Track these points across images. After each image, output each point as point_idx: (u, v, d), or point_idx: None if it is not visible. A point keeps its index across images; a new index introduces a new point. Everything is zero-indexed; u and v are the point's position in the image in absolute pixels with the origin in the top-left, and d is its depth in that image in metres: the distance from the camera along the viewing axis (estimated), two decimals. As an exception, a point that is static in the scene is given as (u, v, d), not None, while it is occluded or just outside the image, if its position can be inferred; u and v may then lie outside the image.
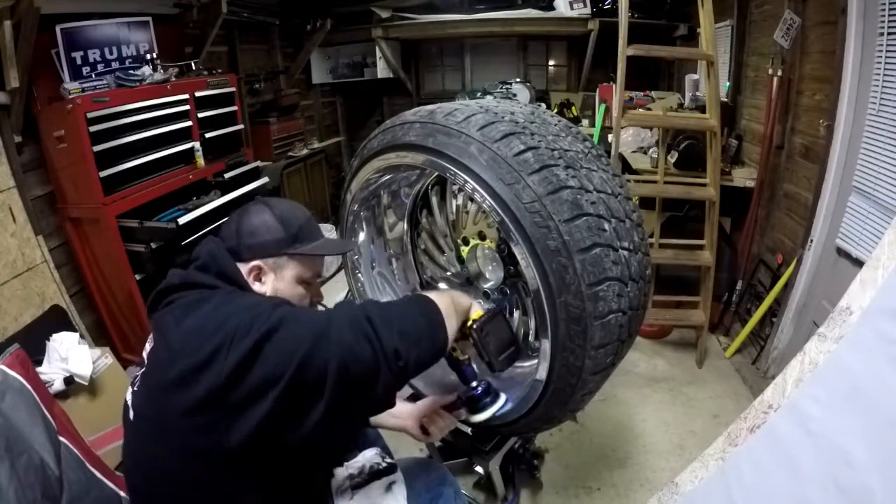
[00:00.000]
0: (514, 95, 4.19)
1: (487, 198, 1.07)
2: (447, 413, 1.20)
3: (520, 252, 1.07)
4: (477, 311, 1.07)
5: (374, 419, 1.20)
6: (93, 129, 2.22)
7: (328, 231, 3.85)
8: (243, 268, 0.97)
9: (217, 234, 1.04)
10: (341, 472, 1.16)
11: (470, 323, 1.04)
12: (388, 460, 1.19)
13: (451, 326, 0.93)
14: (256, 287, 0.97)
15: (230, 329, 0.76)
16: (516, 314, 1.59)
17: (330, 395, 0.76)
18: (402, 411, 1.24)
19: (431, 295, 0.96)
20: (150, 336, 0.92)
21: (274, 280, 0.99)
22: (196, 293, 0.89)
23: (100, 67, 2.54)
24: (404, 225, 1.81)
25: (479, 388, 1.09)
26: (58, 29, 2.34)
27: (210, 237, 1.02)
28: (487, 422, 1.13)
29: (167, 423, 0.78)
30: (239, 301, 0.85)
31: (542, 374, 1.17)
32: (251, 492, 0.83)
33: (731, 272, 2.84)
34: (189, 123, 2.73)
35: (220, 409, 0.75)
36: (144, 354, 0.91)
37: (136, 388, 0.88)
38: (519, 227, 1.03)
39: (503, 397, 1.10)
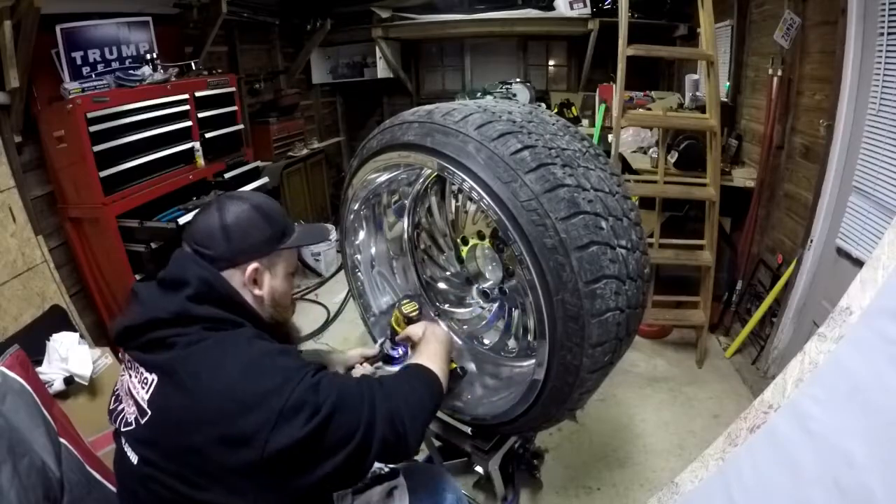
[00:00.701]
0: (514, 95, 4.19)
1: (485, 196, 1.07)
2: (367, 364, 1.35)
3: (517, 250, 1.07)
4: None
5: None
6: (93, 129, 2.22)
7: (329, 230, 3.85)
8: (237, 275, 0.91)
9: (190, 238, 0.92)
10: None
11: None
12: (390, 465, 1.19)
13: (445, 385, 1.08)
14: (256, 292, 0.93)
15: (274, 406, 0.76)
16: (515, 313, 1.59)
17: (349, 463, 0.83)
18: (335, 360, 1.34)
19: (431, 360, 1.06)
20: (138, 373, 0.85)
21: (270, 279, 0.95)
22: (197, 333, 0.82)
23: (100, 67, 2.55)
24: (404, 224, 1.81)
25: (398, 351, 1.35)
26: (58, 29, 2.35)
27: (184, 253, 0.92)
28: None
29: (184, 476, 0.77)
30: (266, 360, 0.82)
31: (539, 372, 1.17)
32: None
33: (731, 272, 2.83)
34: (189, 123, 2.74)
35: (254, 478, 0.76)
36: (137, 396, 0.83)
37: (134, 432, 0.83)
38: (516, 225, 1.04)
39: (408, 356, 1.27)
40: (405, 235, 1.82)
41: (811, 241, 2.17)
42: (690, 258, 2.53)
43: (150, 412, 0.81)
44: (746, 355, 2.59)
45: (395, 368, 1.24)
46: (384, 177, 1.59)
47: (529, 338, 1.55)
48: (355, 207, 1.69)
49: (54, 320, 2.17)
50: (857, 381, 0.95)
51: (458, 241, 1.66)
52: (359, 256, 1.84)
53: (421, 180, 1.67)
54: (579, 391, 1.17)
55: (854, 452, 0.90)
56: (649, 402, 2.31)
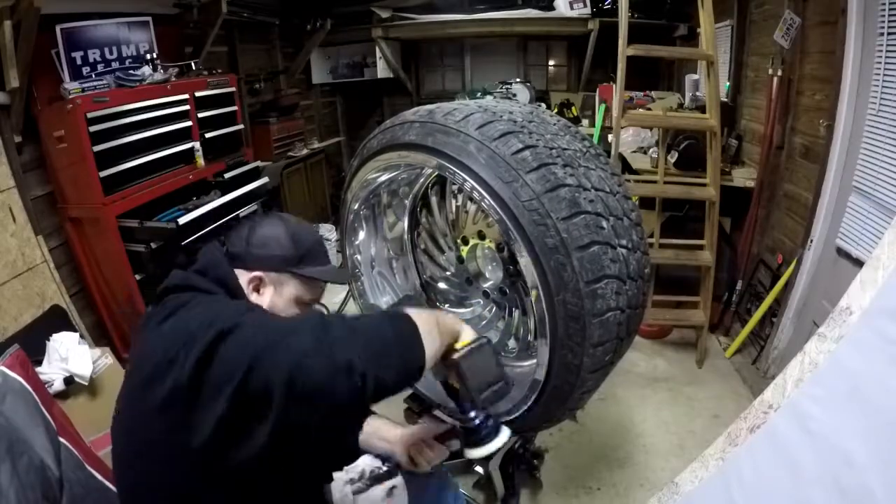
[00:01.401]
0: (514, 95, 4.19)
1: (486, 196, 1.07)
2: (438, 444, 1.07)
3: (518, 250, 1.07)
4: (466, 338, 0.90)
5: (360, 440, 1.15)
6: (93, 129, 2.22)
7: (327, 229, 3.85)
8: (244, 276, 0.94)
9: (224, 236, 1.02)
10: (341, 477, 1.15)
11: (456, 350, 0.88)
12: (389, 464, 1.19)
13: (431, 348, 0.79)
14: (254, 298, 0.94)
15: (194, 327, 0.73)
16: (516, 313, 1.59)
17: (276, 412, 0.67)
18: (392, 435, 1.13)
19: (413, 312, 0.82)
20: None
21: (272, 294, 0.96)
22: (187, 296, 0.85)
23: (100, 67, 2.55)
24: (404, 224, 1.81)
25: (478, 420, 0.90)
26: (58, 29, 2.34)
27: (215, 242, 1.01)
28: (487, 458, 1.05)
29: (140, 422, 0.77)
30: (217, 305, 0.83)
31: (540, 372, 1.17)
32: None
33: (731, 272, 2.83)
34: (189, 123, 2.73)
35: (182, 407, 0.70)
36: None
37: (122, 389, 0.86)
38: (517, 225, 1.04)
39: (505, 432, 0.92)
40: (405, 235, 1.82)
41: (811, 241, 2.17)
42: (690, 258, 2.53)
43: (131, 365, 0.85)
44: (746, 355, 2.59)
45: (484, 451, 0.90)
46: (384, 177, 1.59)
47: (530, 338, 1.55)
48: (355, 207, 1.69)
49: (54, 320, 2.17)
50: (857, 381, 0.95)
51: (459, 240, 1.66)
52: (359, 256, 1.84)
53: (421, 180, 1.67)
54: (580, 391, 1.17)
55: (854, 452, 0.90)
56: (649, 402, 2.31)
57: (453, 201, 1.63)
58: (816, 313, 2.11)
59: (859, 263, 1.82)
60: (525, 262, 1.06)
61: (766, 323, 2.51)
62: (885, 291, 0.96)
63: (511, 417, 1.33)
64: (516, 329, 1.61)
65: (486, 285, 1.67)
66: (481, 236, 1.57)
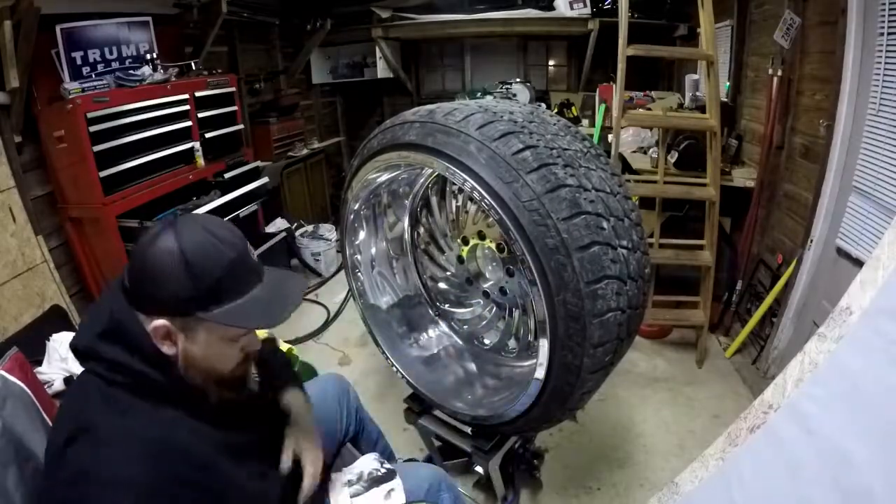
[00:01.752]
0: (514, 95, 4.19)
1: (486, 196, 1.07)
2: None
3: (518, 250, 1.07)
4: None
5: None
6: (93, 129, 2.22)
7: (327, 229, 3.84)
8: (147, 323, 0.76)
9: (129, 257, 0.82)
10: (339, 478, 1.15)
11: None
12: (387, 466, 1.19)
13: None
14: (166, 349, 0.78)
15: None
16: (516, 313, 1.59)
17: None
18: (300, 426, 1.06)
19: None
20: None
21: (185, 343, 0.78)
22: (94, 391, 0.75)
23: (100, 67, 2.54)
24: (404, 224, 1.81)
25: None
26: (58, 29, 2.34)
27: (118, 281, 0.82)
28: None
29: None
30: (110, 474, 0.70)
31: (540, 372, 1.17)
32: None
33: (731, 272, 2.83)
34: (189, 123, 2.74)
35: None
36: None
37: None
38: (517, 226, 1.04)
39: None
40: (405, 235, 1.82)
41: (811, 241, 2.17)
42: (690, 258, 2.53)
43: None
44: (746, 355, 2.59)
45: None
46: (385, 177, 1.59)
47: (530, 338, 1.55)
48: (356, 207, 1.70)
49: (54, 320, 2.17)
50: (856, 381, 0.95)
51: (459, 241, 1.66)
52: (359, 256, 1.84)
53: (422, 180, 1.67)
54: (580, 391, 1.18)
55: (854, 452, 0.90)
56: (649, 402, 2.31)
57: (453, 201, 1.64)
58: (816, 313, 2.11)
59: (859, 263, 1.82)
60: (525, 262, 1.06)
61: (766, 323, 2.51)
62: (885, 291, 0.96)
63: (511, 417, 1.33)
64: (516, 329, 1.61)
65: (486, 285, 1.67)
66: (481, 236, 1.57)
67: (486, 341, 1.78)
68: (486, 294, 1.68)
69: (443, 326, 1.87)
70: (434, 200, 1.69)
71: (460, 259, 1.70)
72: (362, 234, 1.82)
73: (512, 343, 1.68)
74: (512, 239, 1.07)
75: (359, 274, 1.86)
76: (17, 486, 0.93)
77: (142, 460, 0.71)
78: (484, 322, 1.76)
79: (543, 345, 1.13)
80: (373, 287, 1.88)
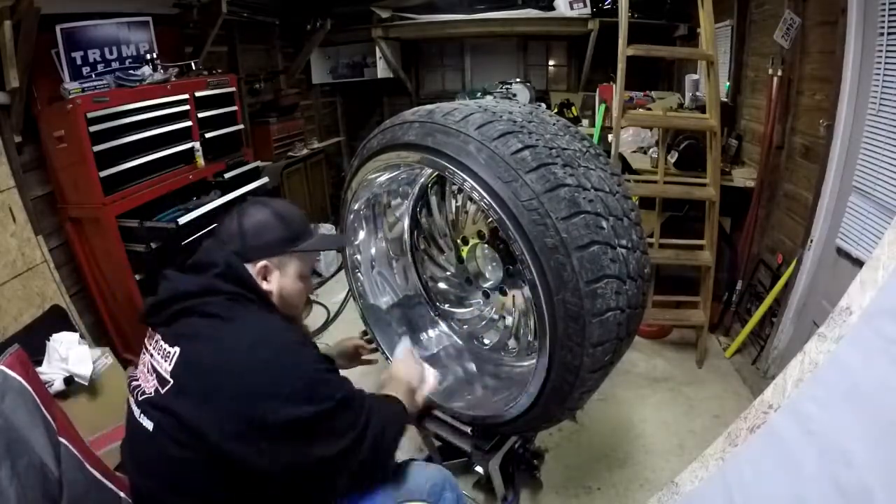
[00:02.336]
0: (514, 95, 4.18)
1: (485, 196, 1.07)
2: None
3: (517, 250, 1.07)
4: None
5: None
6: (93, 129, 2.22)
7: (327, 229, 3.85)
8: (251, 268, 1.01)
9: (216, 235, 1.07)
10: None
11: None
12: None
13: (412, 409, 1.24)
14: (264, 286, 1.02)
15: (291, 387, 0.88)
16: (515, 313, 1.59)
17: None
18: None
19: (397, 393, 1.20)
20: (160, 349, 0.93)
21: (279, 278, 1.05)
22: (220, 303, 0.94)
23: (100, 67, 2.54)
24: (404, 224, 1.81)
25: None
26: (58, 29, 2.34)
27: (213, 241, 1.06)
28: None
29: (205, 433, 0.85)
30: (292, 346, 0.94)
31: (540, 372, 1.17)
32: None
33: (731, 272, 2.83)
34: (189, 123, 2.73)
35: (258, 440, 0.85)
36: (160, 369, 0.92)
37: (151, 399, 0.91)
38: (516, 225, 1.04)
39: None
40: (405, 236, 1.82)
41: (811, 241, 2.17)
42: (690, 258, 2.53)
43: (171, 380, 0.89)
44: (746, 355, 2.59)
45: None
46: (385, 176, 1.59)
47: (530, 338, 1.55)
48: (355, 207, 1.70)
49: (54, 320, 2.17)
50: (857, 381, 0.95)
51: (459, 241, 1.66)
52: (359, 256, 1.84)
53: (421, 180, 1.67)
54: (580, 391, 1.18)
55: (854, 452, 0.90)
56: (649, 402, 2.31)
57: (453, 201, 1.64)
58: (816, 313, 2.11)
59: (859, 263, 1.82)
60: (525, 261, 1.06)
61: (766, 323, 2.51)
62: (885, 291, 0.96)
63: (511, 417, 1.33)
64: (516, 329, 1.61)
65: (486, 285, 1.67)
66: (481, 236, 1.57)
67: (486, 341, 1.78)
68: (486, 294, 1.68)
69: (443, 326, 1.87)
70: (434, 201, 1.69)
71: (460, 259, 1.70)
72: (362, 234, 1.82)
73: (512, 343, 1.68)
74: (511, 238, 1.06)
75: (359, 274, 1.86)
76: (11, 480, 0.93)
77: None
78: (484, 322, 1.76)
79: (543, 344, 1.13)
80: (373, 287, 1.88)
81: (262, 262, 1.02)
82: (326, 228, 3.88)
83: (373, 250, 1.85)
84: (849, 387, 0.96)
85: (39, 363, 1.77)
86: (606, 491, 1.85)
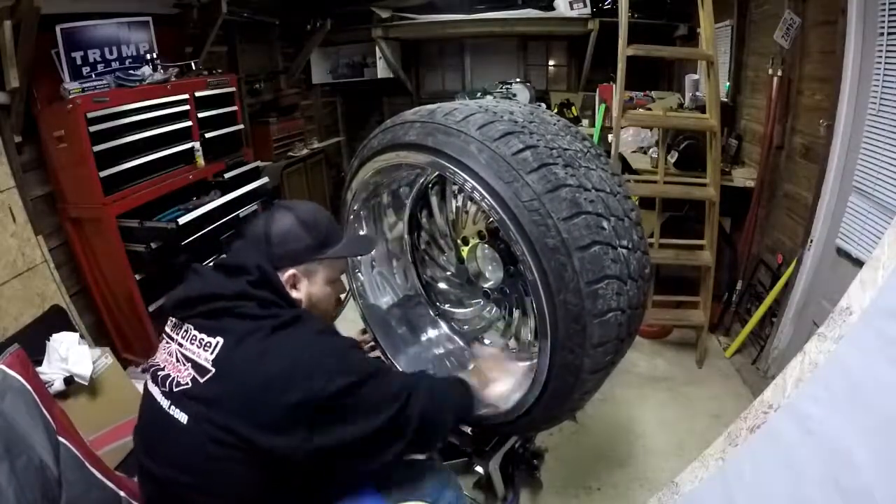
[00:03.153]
0: (514, 95, 4.19)
1: (486, 196, 1.07)
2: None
3: (518, 250, 1.07)
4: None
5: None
6: (93, 129, 2.22)
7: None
8: (280, 276, 1.01)
9: (245, 238, 1.08)
10: None
11: None
12: None
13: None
14: (293, 294, 1.03)
15: (331, 368, 0.89)
16: (516, 313, 1.59)
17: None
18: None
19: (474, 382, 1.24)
20: (194, 339, 0.93)
21: (308, 285, 1.05)
22: (254, 308, 0.93)
23: (100, 67, 2.54)
24: (404, 225, 1.81)
25: None
26: (58, 29, 2.34)
27: (243, 243, 1.07)
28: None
29: (239, 424, 0.85)
30: (340, 350, 0.95)
31: (541, 373, 1.17)
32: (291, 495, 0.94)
33: (731, 272, 2.83)
34: (189, 123, 2.73)
35: (308, 421, 0.86)
36: (198, 358, 0.91)
37: (189, 391, 0.90)
38: (518, 225, 1.03)
39: None
40: (405, 236, 1.82)
41: (811, 241, 2.17)
42: (690, 258, 2.53)
43: (213, 370, 0.89)
44: (746, 355, 2.59)
45: None
46: (385, 177, 1.59)
47: (530, 338, 1.55)
48: (356, 208, 1.69)
49: (54, 320, 2.17)
50: (857, 381, 0.95)
51: (459, 241, 1.66)
52: (359, 256, 1.84)
53: (422, 180, 1.67)
54: (580, 391, 1.17)
55: (854, 452, 0.90)
56: (649, 402, 2.31)
57: (454, 202, 1.63)
58: (816, 313, 2.11)
59: (859, 263, 1.82)
60: (526, 262, 1.06)
61: (766, 323, 2.51)
62: (885, 291, 0.96)
63: (511, 418, 1.32)
64: (517, 329, 1.61)
65: (486, 285, 1.67)
66: (482, 236, 1.57)
67: (487, 342, 1.78)
68: (486, 294, 1.68)
69: (443, 327, 1.87)
70: (434, 201, 1.68)
71: (460, 259, 1.69)
72: (362, 234, 1.82)
73: (512, 343, 1.67)
74: (512, 239, 1.06)
75: (359, 274, 1.86)
76: (10, 479, 0.93)
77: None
78: (484, 322, 1.76)
79: (544, 345, 1.13)
80: (373, 287, 1.88)
81: (290, 271, 1.03)
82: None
83: (373, 250, 1.85)
84: (849, 387, 0.96)
85: (39, 363, 1.77)
86: (606, 491, 1.85)
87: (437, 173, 1.42)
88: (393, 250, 1.87)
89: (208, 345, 0.91)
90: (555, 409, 1.24)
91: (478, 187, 1.08)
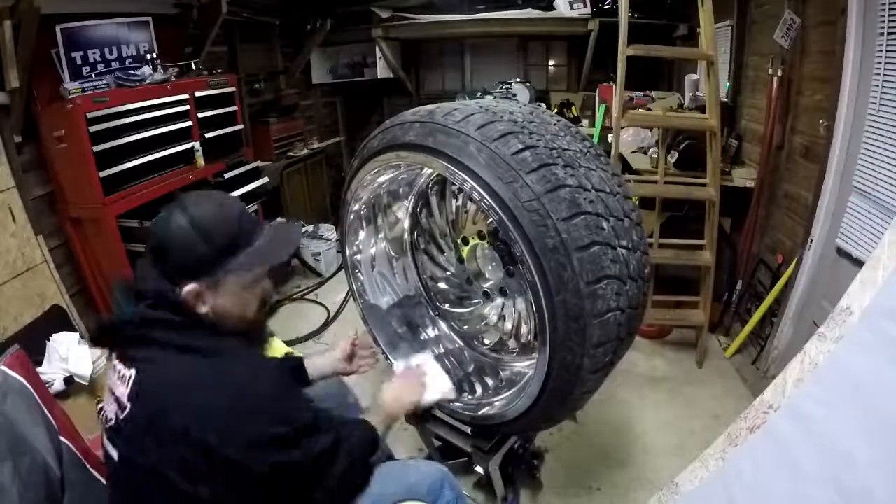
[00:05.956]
0: (514, 95, 4.18)
1: (486, 196, 1.07)
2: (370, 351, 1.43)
3: (518, 251, 1.07)
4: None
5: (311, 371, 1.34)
6: (93, 129, 2.22)
7: (327, 229, 3.84)
8: (181, 291, 0.87)
9: (146, 248, 0.94)
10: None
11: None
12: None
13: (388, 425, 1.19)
14: (201, 310, 0.89)
15: (251, 432, 0.81)
16: (516, 314, 1.60)
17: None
18: (329, 356, 1.38)
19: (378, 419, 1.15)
20: (116, 371, 0.87)
21: (214, 298, 0.89)
22: (160, 332, 0.86)
23: (100, 67, 2.54)
24: (404, 224, 1.81)
25: None
26: (58, 29, 2.34)
27: (144, 260, 0.92)
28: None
29: (159, 471, 0.80)
30: (249, 386, 0.86)
31: (540, 372, 1.17)
32: None
33: (731, 272, 2.83)
34: (189, 123, 2.73)
35: (221, 470, 0.80)
36: (117, 392, 0.85)
37: (114, 428, 0.86)
38: (517, 226, 1.04)
39: None
40: (405, 235, 1.82)
41: (811, 241, 2.17)
42: (690, 258, 2.53)
43: (129, 405, 0.83)
44: (746, 355, 2.59)
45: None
46: (385, 177, 1.59)
47: (530, 338, 1.55)
48: (356, 208, 1.70)
49: (54, 320, 2.17)
50: (857, 381, 0.96)
51: (459, 241, 1.66)
52: (359, 256, 1.84)
53: (421, 180, 1.67)
54: (580, 391, 1.18)
55: (854, 452, 0.90)
56: (649, 402, 2.31)
57: (453, 202, 1.64)
58: (816, 313, 2.11)
59: (859, 263, 1.81)
60: (525, 262, 1.06)
61: (766, 323, 2.51)
62: (885, 291, 0.96)
63: (512, 417, 1.33)
64: (516, 329, 1.61)
65: (486, 285, 1.67)
66: (481, 236, 1.57)
67: (486, 341, 1.78)
68: (486, 294, 1.68)
69: (443, 326, 1.87)
70: (434, 200, 1.69)
71: (460, 259, 1.70)
72: (362, 235, 1.82)
73: (512, 343, 1.68)
74: (512, 240, 1.06)
75: (359, 274, 1.86)
76: (13, 479, 0.93)
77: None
78: (484, 322, 1.76)
79: (543, 345, 1.13)
80: (373, 287, 1.88)
81: (190, 287, 0.86)
82: (327, 229, 3.88)
83: (373, 250, 1.85)
84: (849, 387, 0.96)
85: (39, 363, 1.77)
86: (606, 491, 1.85)
87: (437, 173, 1.43)
88: (393, 250, 1.87)
89: (124, 377, 0.85)
90: (554, 409, 1.24)
91: (477, 187, 1.08)
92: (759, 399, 1.14)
